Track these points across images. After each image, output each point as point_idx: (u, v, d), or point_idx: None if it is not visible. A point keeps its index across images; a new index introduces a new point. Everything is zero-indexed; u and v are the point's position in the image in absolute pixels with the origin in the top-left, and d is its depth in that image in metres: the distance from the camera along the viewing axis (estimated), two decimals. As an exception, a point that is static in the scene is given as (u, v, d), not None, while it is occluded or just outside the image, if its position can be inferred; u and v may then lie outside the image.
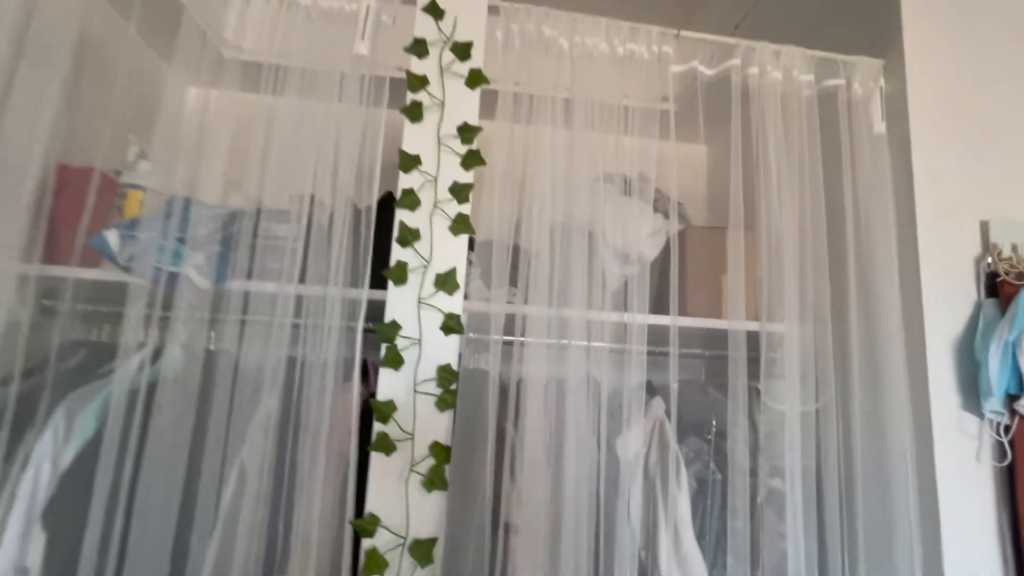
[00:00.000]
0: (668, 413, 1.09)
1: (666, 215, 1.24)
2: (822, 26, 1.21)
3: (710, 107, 1.05)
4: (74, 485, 0.86)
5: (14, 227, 0.85)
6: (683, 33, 1.05)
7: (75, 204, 0.95)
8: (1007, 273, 0.93)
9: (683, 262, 1.20)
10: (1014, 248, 0.97)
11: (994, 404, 0.89)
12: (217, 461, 0.84)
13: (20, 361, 0.86)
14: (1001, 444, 0.90)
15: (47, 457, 0.89)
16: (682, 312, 1.13)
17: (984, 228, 0.99)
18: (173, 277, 0.93)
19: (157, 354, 0.92)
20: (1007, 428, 0.90)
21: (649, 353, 1.04)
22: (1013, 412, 0.89)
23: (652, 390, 1.14)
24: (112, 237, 0.98)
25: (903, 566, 0.88)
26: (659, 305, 1.13)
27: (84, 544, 0.78)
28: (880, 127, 1.06)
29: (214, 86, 0.96)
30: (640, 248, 1.16)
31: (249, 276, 0.93)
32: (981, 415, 0.91)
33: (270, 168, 0.94)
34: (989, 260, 0.96)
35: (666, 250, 1.21)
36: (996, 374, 0.87)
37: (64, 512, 0.84)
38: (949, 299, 0.97)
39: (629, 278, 1.14)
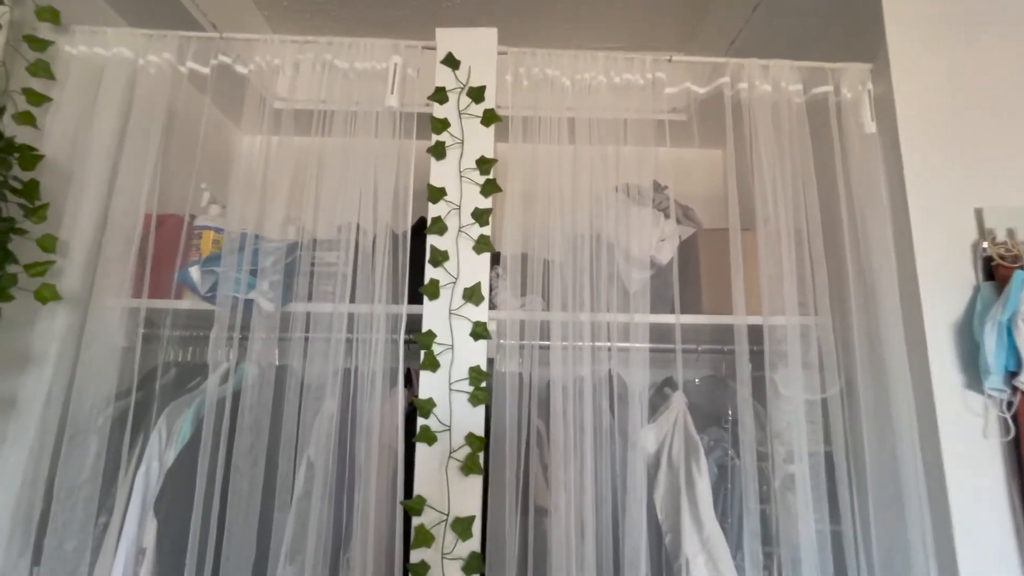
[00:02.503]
0: (689, 406, 1.17)
1: (678, 221, 1.33)
2: (813, 35, 1.29)
3: (717, 115, 1.14)
4: (177, 479, 1.03)
5: (126, 269, 1.06)
6: (675, 58, 1.16)
7: (165, 246, 1.14)
8: (1002, 257, 0.97)
9: (695, 264, 1.29)
10: (1009, 233, 1.01)
11: (994, 382, 0.92)
12: (290, 456, 1.00)
13: (134, 379, 1.05)
14: (1006, 420, 0.93)
15: (155, 456, 1.07)
16: (697, 310, 1.22)
17: (978, 215, 1.03)
18: (245, 304, 1.10)
19: (236, 369, 1.10)
20: (1009, 404, 0.93)
21: (664, 351, 1.13)
22: (1014, 388, 0.93)
23: (673, 385, 1.22)
24: (195, 272, 1.17)
25: (915, 541, 0.92)
26: (680, 305, 1.20)
27: (189, 526, 0.95)
28: (871, 127, 1.12)
29: (273, 133, 1.13)
30: (652, 254, 1.25)
31: (308, 299, 1.09)
32: (985, 394, 0.95)
33: (320, 202, 1.10)
34: (985, 245, 1.00)
35: (681, 253, 1.30)
36: (993, 353, 0.91)
37: (170, 501, 1.02)
38: (947, 284, 1.01)
39: (646, 282, 1.24)
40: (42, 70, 1.07)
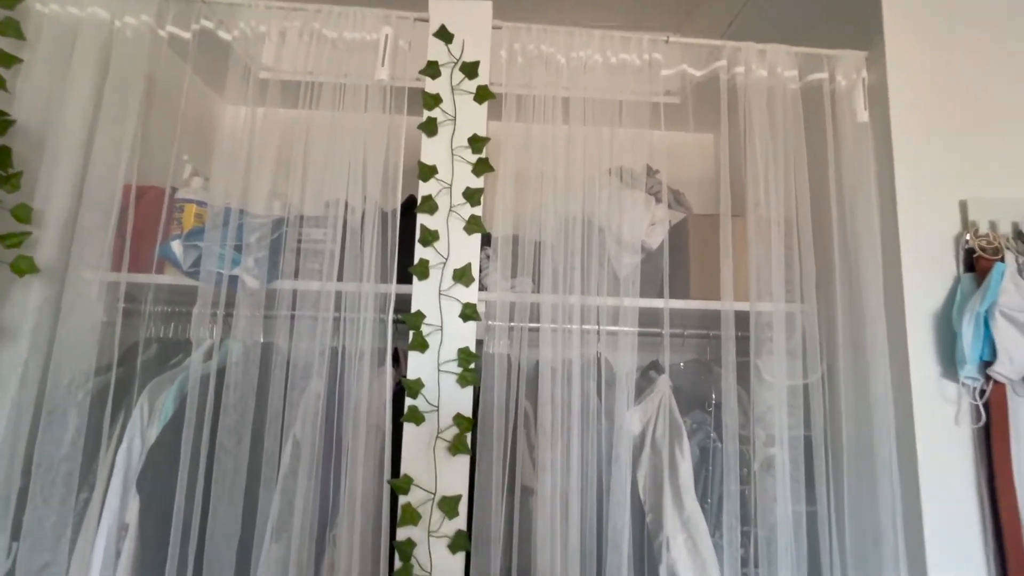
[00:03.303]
0: (673, 389, 1.19)
1: (669, 205, 1.33)
2: (810, 21, 1.28)
3: (711, 99, 1.13)
4: (160, 456, 1.02)
5: (104, 242, 1.02)
6: (672, 39, 1.14)
7: (145, 219, 1.11)
8: (983, 249, 0.99)
9: (685, 248, 1.29)
10: (992, 225, 1.03)
11: (969, 371, 0.95)
12: (275, 434, 0.99)
13: (114, 354, 1.03)
14: (977, 408, 0.97)
15: (137, 433, 1.06)
16: (685, 295, 1.23)
17: (963, 207, 1.05)
18: (229, 280, 1.08)
19: (220, 346, 1.08)
20: (982, 392, 0.96)
21: (651, 335, 1.14)
22: (988, 377, 0.96)
23: (659, 368, 1.24)
24: (176, 247, 1.14)
25: (886, 522, 0.96)
26: (668, 290, 1.21)
27: (173, 503, 0.95)
28: (863, 116, 1.12)
29: (258, 104, 1.09)
30: (643, 238, 1.25)
31: (294, 276, 1.07)
32: (960, 382, 0.98)
33: (308, 177, 1.07)
34: (967, 237, 1.02)
35: (671, 238, 1.30)
36: (970, 343, 0.94)
37: (153, 478, 1.01)
38: (929, 275, 1.03)
39: (635, 266, 1.24)
40: (11, 29, 1.01)
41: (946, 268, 1.03)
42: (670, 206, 1.35)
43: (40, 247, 0.99)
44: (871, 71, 1.14)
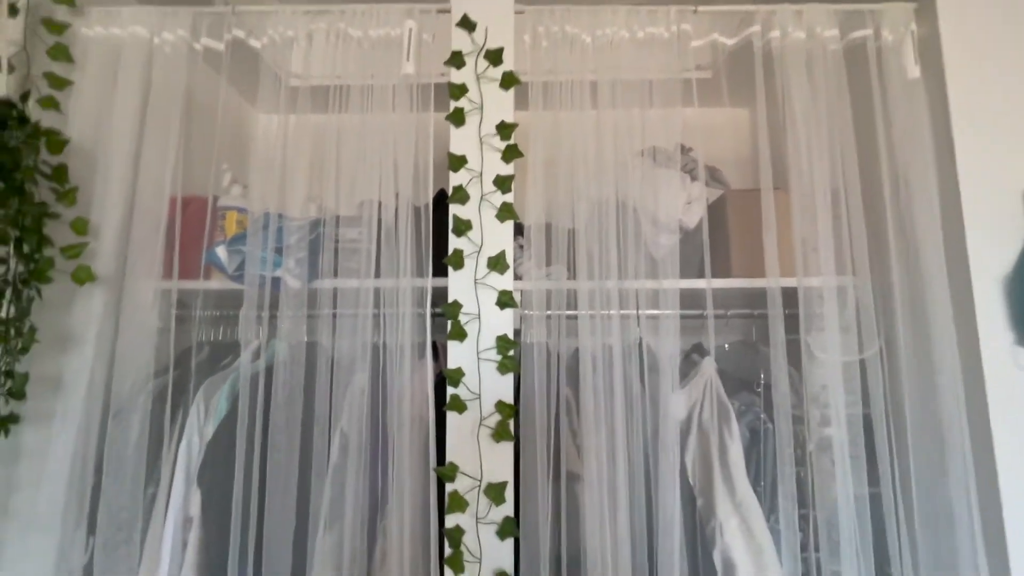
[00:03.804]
0: (718, 371, 1.15)
1: (706, 183, 1.29)
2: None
3: (744, 72, 1.08)
4: (217, 452, 1.07)
5: (156, 252, 1.07)
6: (700, 8, 1.10)
7: (191, 228, 1.16)
8: (1058, 204, 0.91)
9: (724, 226, 1.25)
10: (1066, 179, 0.94)
11: (1046, 336, 0.88)
12: (324, 429, 1.02)
13: (171, 358, 1.08)
14: (1060, 376, 0.89)
15: (195, 431, 1.11)
16: (727, 274, 1.19)
17: (1032, 161, 0.97)
18: (272, 281, 1.11)
19: (267, 346, 1.12)
20: (1063, 359, 0.89)
21: (693, 317, 1.10)
22: (1069, 343, 0.89)
23: (703, 351, 1.21)
24: (222, 252, 1.19)
25: (959, 504, 0.90)
26: (709, 269, 1.18)
27: (232, 496, 0.99)
28: (915, 72, 1.05)
29: (289, 112, 1.12)
30: (679, 217, 1.21)
31: (333, 275, 1.09)
32: (1037, 349, 0.91)
33: (341, 178, 1.10)
34: (1038, 193, 0.94)
35: (709, 215, 1.26)
36: (1047, 306, 0.87)
37: (212, 472, 1.06)
38: (996, 237, 0.96)
39: (672, 247, 1.21)
40: (61, 53, 1.07)
41: (1014, 228, 0.96)
42: (707, 183, 1.31)
43: (97, 258, 1.05)
44: (920, 23, 1.07)
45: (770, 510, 1.06)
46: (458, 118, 1.06)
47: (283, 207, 1.13)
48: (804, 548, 1.01)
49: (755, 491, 1.06)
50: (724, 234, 1.24)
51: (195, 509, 1.06)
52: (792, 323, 1.05)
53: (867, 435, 0.99)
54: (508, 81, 1.07)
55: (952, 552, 0.90)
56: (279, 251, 1.13)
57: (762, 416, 1.15)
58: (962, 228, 0.97)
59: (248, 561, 0.97)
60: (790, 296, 1.05)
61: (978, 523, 0.89)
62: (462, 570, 0.92)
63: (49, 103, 1.04)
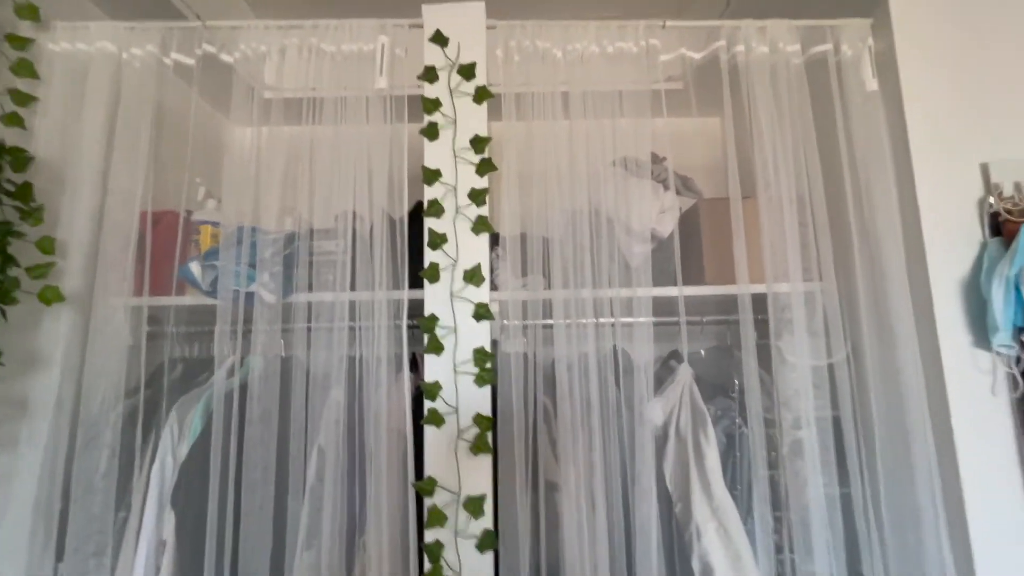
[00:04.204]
0: (695, 377, 1.17)
1: (678, 192, 1.32)
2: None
3: (713, 83, 1.11)
4: (191, 472, 1.05)
5: (125, 268, 1.05)
6: (669, 23, 1.13)
7: (163, 243, 1.14)
8: (1009, 212, 0.96)
9: (697, 234, 1.27)
10: (1017, 187, 0.99)
11: (1002, 338, 0.92)
12: (301, 445, 1.01)
13: (142, 376, 1.06)
14: (1014, 376, 0.93)
15: (168, 451, 1.08)
16: (701, 282, 1.21)
17: (984, 170, 1.01)
18: (247, 296, 1.10)
19: (242, 362, 1.10)
20: (1018, 360, 0.93)
21: (668, 324, 1.12)
22: (1023, 344, 0.92)
23: (679, 358, 1.22)
24: (195, 267, 1.17)
25: (925, 501, 0.93)
26: (682, 277, 1.20)
27: (207, 517, 0.97)
28: (872, 85, 1.09)
29: (263, 124, 1.11)
30: (653, 226, 1.23)
31: (309, 289, 1.09)
32: (993, 351, 0.94)
33: (315, 192, 1.09)
34: (991, 201, 0.98)
35: (682, 224, 1.29)
36: (1001, 309, 0.90)
37: (186, 494, 1.04)
38: (953, 243, 1.00)
39: (647, 256, 1.22)
40: (25, 69, 1.05)
41: (971, 234, 1.00)
42: (679, 192, 1.33)
43: (65, 277, 1.03)
44: (877, 38, 1.11)
45: (747, 513, 1.08)
46: (432, 132, 1.07)
47: (257, 220, 1.12)
48: (779, 550, 1.03)
49: (732, 495, 1.08)
50: (697, 242, 1.26)
51: (169, 532, 1.04)
52: (764, 328, 1.07)
53: (837, 437, 1.02)
54: (481, 95, 1.08)
55: (919, 548, 0.93)
56: (253, 265, 1.12)
57: (737, 421, 1.17)
58: (920, 234, 1.00)
59: (224, 583, 0.96)
60: (762, 302, 1.08)
61: (943, 519, 0.92)
62: (442, 585, 0.92)
63: (13, 120, 1.02)
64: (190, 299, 1.14)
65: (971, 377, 0.95)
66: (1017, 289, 0.90)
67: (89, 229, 1.05)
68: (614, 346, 1.08)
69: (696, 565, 1.04)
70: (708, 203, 1.28)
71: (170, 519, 1.04)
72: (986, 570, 0.90)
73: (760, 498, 1.02)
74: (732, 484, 1.11)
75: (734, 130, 1.12)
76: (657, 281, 1.10)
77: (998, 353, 0.94)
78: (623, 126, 1.12)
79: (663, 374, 1.26)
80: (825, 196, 1.07)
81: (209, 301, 1.12)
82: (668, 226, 1.23)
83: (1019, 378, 0.92)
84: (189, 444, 1.08)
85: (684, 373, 1.18)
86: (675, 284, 1.10)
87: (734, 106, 1.11)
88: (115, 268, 1.05)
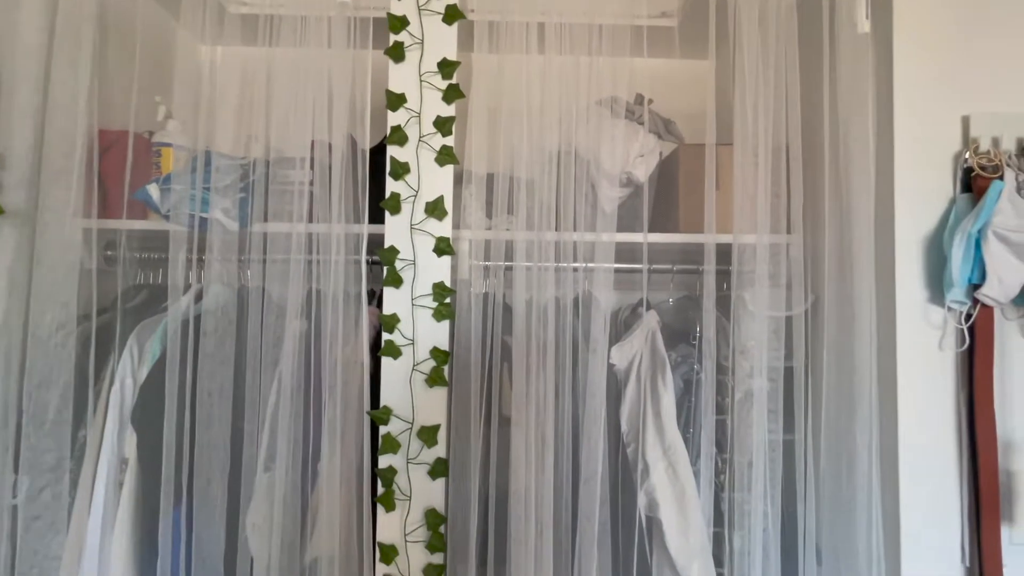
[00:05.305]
0: (661, 325, 1.18)
1: (659, 135, 1.27)
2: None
3: (700, 23, 1.05)
4: (151, 393, 1.05)
5: (68, 187, 1.01)
6: (658, -53, 1.05)
7: (118, 164, 1.09)
8: (982, 168, 0.94)
9: (674, 180, 1.24)
10: (994, 142, 0.96)
11: (956, 294, 0.92)
12: (260, 372, 1.01)
13: (95, 302, 1.04)
14: (962, 332, 0.94)
15: (128, 373, 1.08)
16: (675, 229, 1.19)
17: (965, 123, 0.98)
18: (207, 223, 1.07)
19: (201, 290, 1.09)
20: (968, 316, 0.94)
21: (638, 271, 1.12)
22: (975, 301, 0.93)
23: (648, 305, 1.23)
24: (153, 190, 1.13)
25: (862, 447, 0.96)
26: (656, 224, 1.18)
27: (164, 437, 0.98)
28: (864, 26, 1.03)
29: (219, 42, 1.04)
30: (630, 170, 1.20)
31: (269, 219, 1.05)
32: (946, 307, 0.95)
33: (276, 118, 1.04)
34: (967, 156, 0.96)
35: (662, 169, 1.25)
36: (959, 265, 0.90)
37: (147, 414, 1.05)
38: (924, 198, 0.98)
39: (621, 200, 1.20)
40: (-52, -43, 0.96)
41: (942, 190, 0.98)
42: (660, 136, 1.29)
43: (7, 191, 0.98)
44: (875, -24, 1.04)
45: (696, 455, 1.12)
46: (397, 53, 1.00)
47: (216, 144, 1.07)
48: (722, 488, 1.08)
49: (684, 437, 1.12)
50: (674, 189, 1.24)
51: (131, 450, 1.06)
52: (730, 278, 1.07)
53: (787, 387, 1.04)
54: (452, 15, 1.01)
55: (851, 494, 0.97)
56: (214, 191, 1.08)
57: (696, 367, 1.19)
58: (892, 189, 0.99)
59: (182, 502, 0.98)
60: (729, 252, 1.07)
61: (876, 467, 0.96)
62: (393, 508, 0.95)
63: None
64: (148, 223, 1.11)
65: (922, 331, 0.97)
66: (978, 246, 0.90)
67: (30, 141, 0.99)
68: (579, 290, 1.08)
69: (642, 499, 1.08)
70: (687, 149, 1.24)
71: (132, 438, 1.06)
72: (910, 519, 0.95)
73: (708, 440, 1.05)
74: (685, 427, 1.14)
75: (719, 73, 1.07)
76: (632, 227, 1.08)
77: (950, 309, 0.95)
78: (601, 64, 1.06)
79: (632, 320, 1.27)
80: (803, 145, 1.04)
81: (167, 226, 1.08)
82: (646, 170, 1.20)
83: (966, 333, 0.94)
84: (149, 367, 1.08)
85: (650, 319, 1.19)
86: (653, 231, 1.08)
87: (719, 48, 1.06)
88: (60, 185, 1.00)
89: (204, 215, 1.08)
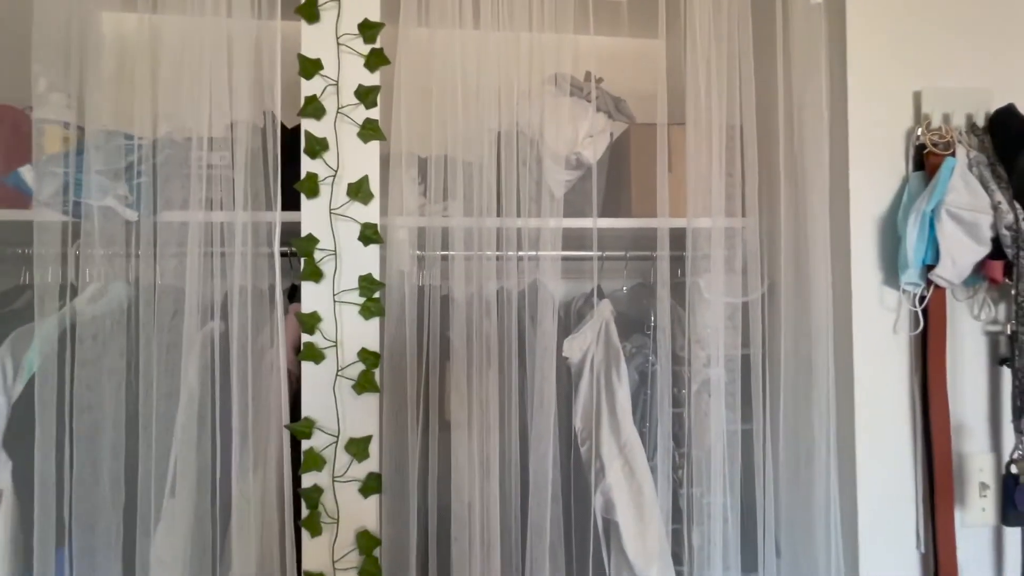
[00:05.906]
0: (617, 315, 1.12)
1: (610, 114, 1.20)
2: None
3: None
4: (28, 413, 0.90)
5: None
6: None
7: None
8: (934, 145, 0.91)
9: (626, 163, 1.18)
10: (945, 118, 0.94)
11: (911, 276, 0.90)
12: (154, 383, 0.87)
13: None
14: (916, 314, 0.92)
15: (0, 391, 0.93)
16: (627, 214, 1.13)
17: (916, 99, 0.95)
18: (97, 211, 0.92)
19: (94, 289, 0.94)
20: (922, 298, 0.92)
21: (587, 259, 1.05)
22: (930, 282, 0.91)
23: (601, 294, 1.16)
24: (27, 174, 0.97)
25: (819, 434, 0.94)
26: (607, 209, 1.11)
27: (37, 463, 0.83)
28: (817, -2, 0.99)
29: (100, 7, 0.90)
30: (579, 150, 1.13)
31: (172, 207, 0.91)
32: (900, 289, 0.93)
33: (167, 94, 0.90)
34: (919, 132, 0.93)
35: (612, 151, 1.18)
36: (913, 246, 0.87)
37: (24, 438, 0.89)
38: (878, 177, 0.95)
39: (569, 183, 1.12)
40: None
41: (895, 167, 0.95)
42: (610, 115, 1.22)
43: None
44: (827, -57, 1.00)
45: (653, 450, 1.07)
46: (310, 11, 0.88)
47: (113, 123, 0.92)
48: (680, 484, 1.03)
49: (640, 432, 1.06)
50: (625, 171, 1.17)
51: (4, 480, 0.90)
52: (684, 264, 1.02)
53: (744, 375, 1.00)
54: (373, -29, 0.89)
55: (809, 482, 0.95)
56: (106, 174, 0.93)
57: (651, 358, 1.14)
58: (847, 168, 0.95)
59: (67, 537, 0.84)
60: (682, 237, 1.01)
61: (834, 455, 0.93)
62: (319, 532, 0.84)
63: None
64: (26, 212, 0.94)
65: (876, 315, 0.94)
66: (932, 226, 0.87)
67: None
68: (526, 280, 1.00)
69: (598, 501, 1.02)
70: (639, 129, 1.18)
71: (6, 466, 0.91)
72: (867, 506, 0.93)
73: (664, 434, 1.00)
74: (641, 422, 1.09)
75: (670, 51, 1.00)
76: (582, 212, 1.01)
77: (904, 291, 0.92)
78: (544, 41, 0.97)
79: (585, 311, 1.21)
80: (757, 124, 0.99)
81: (46, 217, 0.92)
82: (596, 152, 1.13)
83: (920, 316, 0.92)
84: (24, 382, 0.93)
85: (603, 309, 1.12)
86: (604, 215, 1.01)
87: (671, 25, 0.99)
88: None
89: (94, 202, 0.94)
